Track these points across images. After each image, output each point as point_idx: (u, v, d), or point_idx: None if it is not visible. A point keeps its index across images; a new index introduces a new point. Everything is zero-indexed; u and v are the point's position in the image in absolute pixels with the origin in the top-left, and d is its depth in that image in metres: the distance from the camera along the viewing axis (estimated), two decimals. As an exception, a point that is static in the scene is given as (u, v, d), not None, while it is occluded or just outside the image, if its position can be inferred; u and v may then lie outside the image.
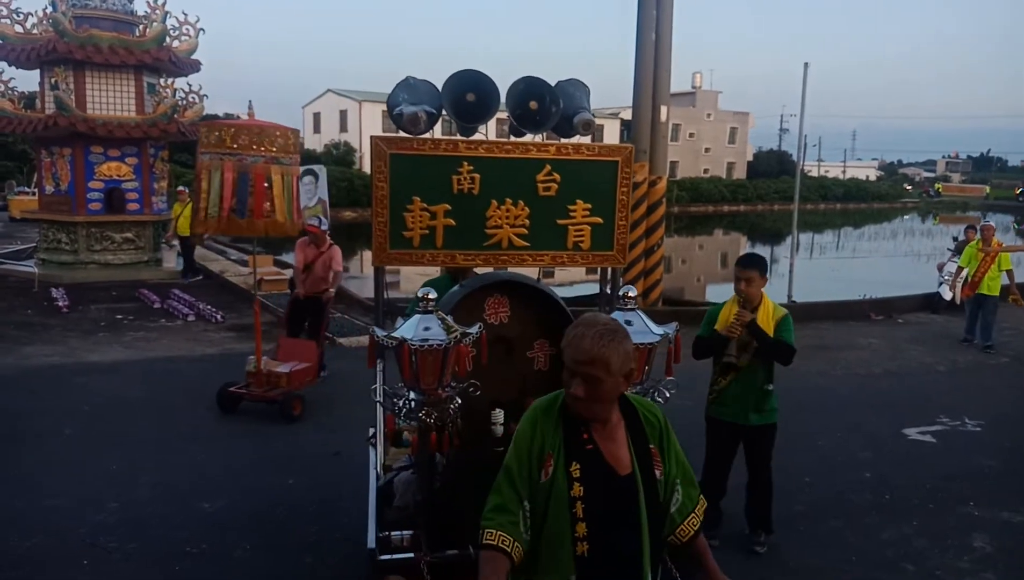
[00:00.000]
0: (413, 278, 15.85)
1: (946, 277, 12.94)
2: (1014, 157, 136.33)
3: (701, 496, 2.40)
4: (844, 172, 78.86)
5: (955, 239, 15.44)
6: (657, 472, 2.28)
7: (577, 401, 2.18)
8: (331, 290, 8.17)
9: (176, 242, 15.41)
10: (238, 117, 7.03)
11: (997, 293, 10.64)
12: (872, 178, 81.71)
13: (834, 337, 11.26)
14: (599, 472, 2.20)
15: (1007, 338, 11.27)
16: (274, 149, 6.29)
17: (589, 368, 2.11)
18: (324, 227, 8.19)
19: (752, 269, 4.47)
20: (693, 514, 2.36)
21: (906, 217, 52.63)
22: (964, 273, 12.47)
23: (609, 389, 2.15)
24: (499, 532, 2.18)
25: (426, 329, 3.04)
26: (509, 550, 2.17)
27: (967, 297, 10.98)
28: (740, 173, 65.67)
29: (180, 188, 14.97)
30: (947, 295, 12.91)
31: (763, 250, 31.26)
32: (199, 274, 14.91)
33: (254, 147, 6.22)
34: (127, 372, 8.56)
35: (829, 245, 33.46)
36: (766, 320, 4.49)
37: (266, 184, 6.26)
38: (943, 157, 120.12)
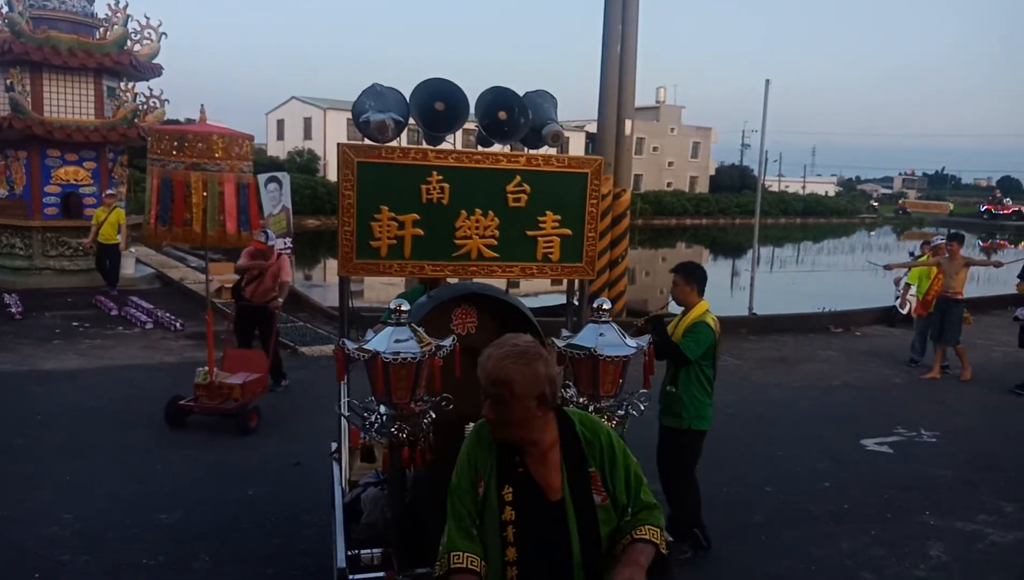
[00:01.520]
0: (377, 287, 15.78)
1: (902, 290, 13.25)
2: (967, 175, 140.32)
3: (660, 525, 2.24)
4: (804, 187, 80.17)
5: (912, 254, 15.81)
6: (597, 498, 2.19)
7: (490, 423, 2.16)
8: (279, 299, 8.03)
9: (93, 250, 13.81)
10: (198, 122, 6.95)
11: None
12: (831, 193, 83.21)
13: (794, 349, 11.43)
14: (530, 497, 2.16)
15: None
16: (194, 155, 6.00)
17: (493, 388, 2.09)
18: (271, 242, 7.99)
19: (676, 273, 4.72)
20: (644, 527, 2.19)
21: (872, 233, 53.57)
22: (913, 290, 12.79)
23: (517, 412, 2.10)
24: (467, 555, 2.16)
25: (398, 342, 2.97)
26: (479, 571, 2.15)
27: (919, 316, 10.67)
28: (703, 187, 66.48)
29: (108, 192, 13.94)
30: (904, 309, 13.20)
31: (724, 263, 31.66)
32: (115, 285, 13.67)
33: (174, 153, 5.99)
34: (83, 381, 8.37)
35: (789, 258, 33.98)
36: (685, 323, 4.64)
37: (186, 192, 6.02)
38: (900, 174, 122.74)
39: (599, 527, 2.18)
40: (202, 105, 7.10)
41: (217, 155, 6.08)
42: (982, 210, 66.93)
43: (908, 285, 12.82)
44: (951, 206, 77.72)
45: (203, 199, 6.05)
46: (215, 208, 6.11)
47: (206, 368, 7.02)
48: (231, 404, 6.89)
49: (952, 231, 10.75)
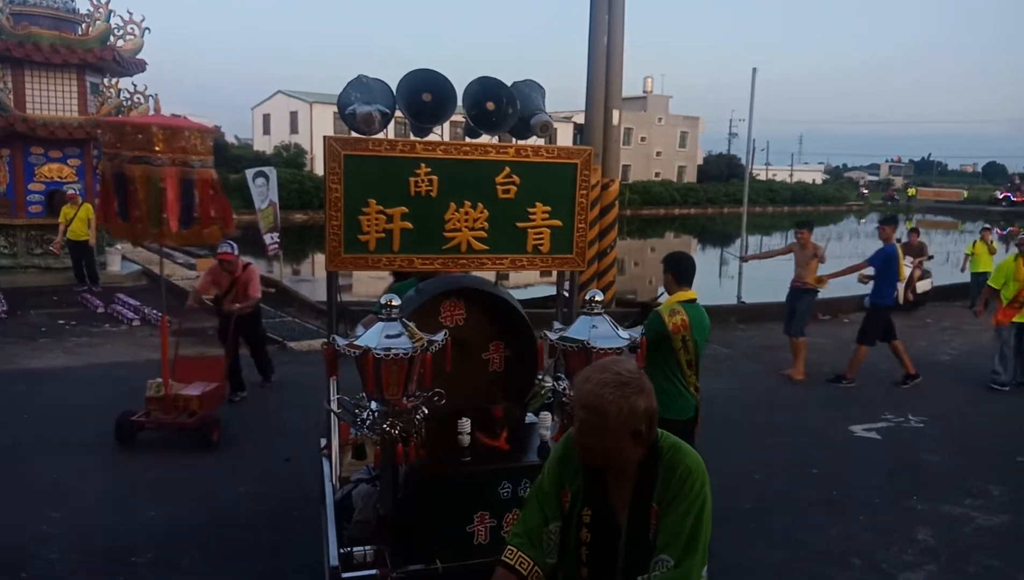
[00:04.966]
0: (366, 281, 15.72)
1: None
2: (953, 161, 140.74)
3: None
4: (791, 176, 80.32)
5: (898, 241, 15.87)
6: (652, 535, 2.06)
7: (577, 446, 2.09)
8: (236, 305, 7.40)
9: (65, 250, 13.78)
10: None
11: None
12: (818, 181, 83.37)
13: (782, 337, 11.41)
14: (605, 523, 2.11)
15: (947, 337, 11.64)
16: (135, 148, 5.53)
17: (585, 414, 2.00)
18: (237, 252, 7.41)
19: (663, 264, 4.76)
20: None
21: (863, 221, 53.53)
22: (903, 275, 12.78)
23: (608, 444, 2.00)
24: (519, 552, 2.14)
25: (390, 337, 2.94)
26: (525, 573, 2.12)
27: (1001, 325, 8.92)
28: (691, 177, 66.52)
29: (70, 190, 13.70)
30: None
31: (713, 252, 31.70)
32: (97, 281, 13.76)
33: (117, 145, 5.59)
34: (69, 379, 8.31)
35: (777, 246, 34.02)
36: None
37: (132, 186, 5.58)
38: (887, 161, 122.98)
39: (647, 565, 2.04)
40: (155, 95, 6.84)
41: (157, 148, 5.59)
42: (1000, 197, 66.11)
43: (914, 277, 12.84)
44: (965, 193, 76.95)
45: (148, 194, 5.61)
46: (156, 205, 5.65)
47: (159, 379, 6.48)
48: (188, 418, 6.36)
49: (802, 219, 10.30)
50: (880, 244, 8.89)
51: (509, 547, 2.17)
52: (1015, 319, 8.76)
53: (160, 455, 6.14)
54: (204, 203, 5.92)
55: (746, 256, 11.31)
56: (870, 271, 8.97)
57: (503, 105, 3.82)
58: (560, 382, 3.32)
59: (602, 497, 2.12)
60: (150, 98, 15.32)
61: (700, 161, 70.19)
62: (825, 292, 12.83)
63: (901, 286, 12.78)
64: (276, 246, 13.86)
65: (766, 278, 18.21)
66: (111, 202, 5.77)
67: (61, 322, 11.07)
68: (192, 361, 7.16)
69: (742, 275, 13.82)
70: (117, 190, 5.68)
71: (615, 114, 12.40)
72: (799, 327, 9.08)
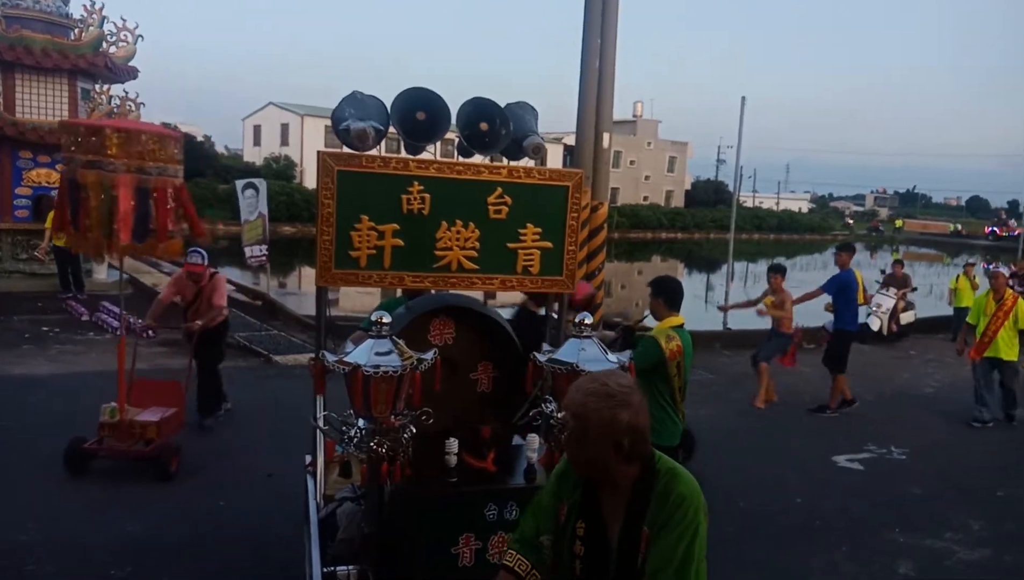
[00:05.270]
0: (353, 296, 15.68)
1: (874, 308, 13.41)
2: (937, 194, 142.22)
3: None
4: (778, 204, 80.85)
5: (883, 272, 16.05)
6: (640, 559, 2.06)
7: (564, 451, 2.13)
8: (198, 323, 6.93)
9: (50, 256, 13.45)
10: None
11: (1015, 357, 8.78)
12: (804, 210, 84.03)
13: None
14: (598, 537, 2.13)
15: (931, 370, 11.71)
16: (89, 151, 5.13)
17: (571, 421, 2.03)
18: (206, 262, 7.07)
19: (650, 288, 4.82)
20: None
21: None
22: (887, 306, 12.92)
23: (590, 453, 2.02)
24: (519, 556, 2.21)
25: (379, 354, 2.92)
26: (523, 574, 2.19)
27: (974, 361, 8.90)
28: (678, 201, 66.95)
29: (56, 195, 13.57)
30: (875, 326, 13.37)
31: (699, 277, 31.86)
32: (83, 289, 13.54)
33: (72, 148, 5.20)
34: (52, 387, 8.22)
35: (763, 274, 34.24)
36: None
37: (85, 193, 5.16)
38: (872, 192, 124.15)
39: None
40: (125, 94, 6.52)
41: (111, 152, 5.13)
42: (988, 231, 66.85)
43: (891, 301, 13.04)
44: (951, 227, 77.90)
45: (100, 202, 5.18)
46: (108, 214, 5.21)
47: (113, 403, 6.05)
48: (144, 446, 5.95)
49: (774, 262, 10.52)
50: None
51: (509, 551, 2.27)
52: (987, 354, 8.76)
53: (137, 468, 6.04)
54: (161, 215, 5.43)
55: (725, 306, 11.52)
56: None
57: (496, 126, 3.83)
58: (548, 405, 3.31)
59: (596, 511, 2.14)
60: (141, 105, 15.33)
61: (688, 186, 70.66)
62: (811, 323, 12.92)
63: (886, 318, 12.92)
64: (263, 258, 13.81)
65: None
66: (66, 210, 5.34)
67: (45, 329, 10.96)
68: (150, 384, 6.64)
69: (728, 300, 13.88)
70: (71, 197, 5.26)
71: (605, 137, 12.45)
72: (764, 354, 9.22)
